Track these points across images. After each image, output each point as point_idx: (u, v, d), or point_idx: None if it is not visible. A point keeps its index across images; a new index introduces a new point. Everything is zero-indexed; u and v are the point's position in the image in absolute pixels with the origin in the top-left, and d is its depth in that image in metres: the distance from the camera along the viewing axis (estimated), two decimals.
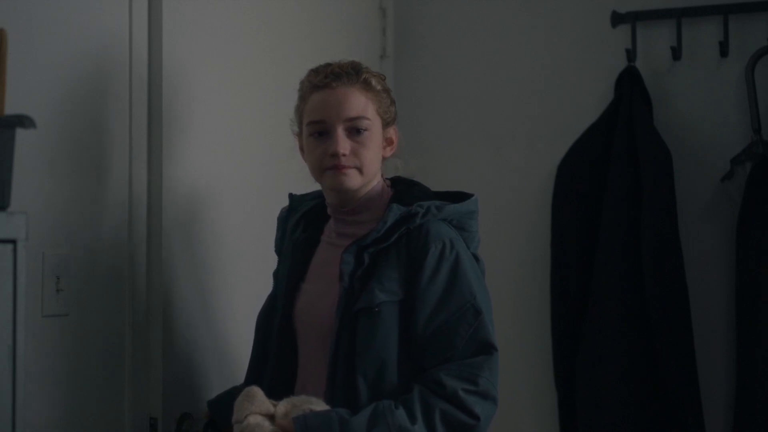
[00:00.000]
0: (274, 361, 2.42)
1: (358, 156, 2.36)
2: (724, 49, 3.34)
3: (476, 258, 2.44)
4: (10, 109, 1.87)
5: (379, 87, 2.42)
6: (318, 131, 2.37)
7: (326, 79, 2.37)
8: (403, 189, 2.45)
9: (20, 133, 1.83)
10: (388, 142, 2.45)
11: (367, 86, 2.39)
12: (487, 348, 2.29)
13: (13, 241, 1.74)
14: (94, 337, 2.43)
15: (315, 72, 2.41)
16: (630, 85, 3.37)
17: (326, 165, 2.36)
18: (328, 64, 2.42)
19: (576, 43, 3.52)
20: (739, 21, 3.35)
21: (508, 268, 3.53)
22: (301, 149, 2.45)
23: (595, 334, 3.27)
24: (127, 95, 2.52)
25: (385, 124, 2.43)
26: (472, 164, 3.59)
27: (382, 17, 3.65)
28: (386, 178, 2.50)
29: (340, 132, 2.35)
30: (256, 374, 2.46)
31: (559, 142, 3.46)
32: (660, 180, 3.26)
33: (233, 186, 2.80)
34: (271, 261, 2.62)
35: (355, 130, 2.37)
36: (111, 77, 2.49)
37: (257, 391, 2.26)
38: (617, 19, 3.46)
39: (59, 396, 2.34)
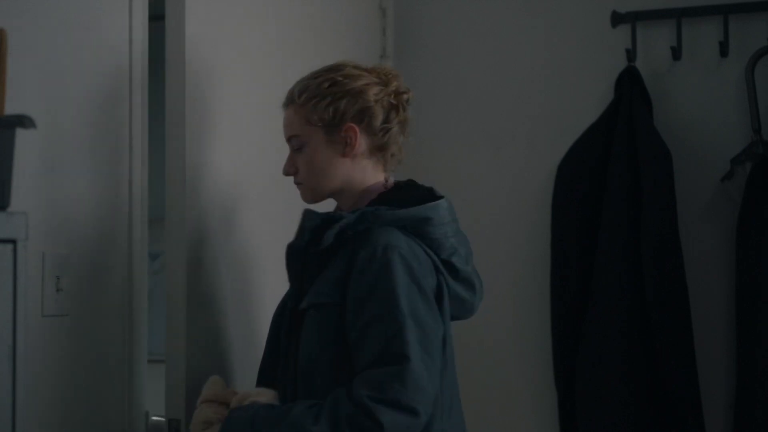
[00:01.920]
0: (283, 359, 2.44)
1: (300, 172, 2.41)
2: (724, 49, 3.34)
3: (452, 265, 2.36)
4: (10, 109, 1.87)
5: (303, 97, 2.39)
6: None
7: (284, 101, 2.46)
8: (391, 194, 2.41)
9: (20, 133, 1.83)
10: (348, 141, 2.40)
11: (292, 101, 2.41)
12: (398, 358, 2.19)
13: (13, 241, 1.74)
14: (94, 337, 2.43)
15: None
16: (630, 85, 3.37)
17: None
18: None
19: (576, 43, 3.52)
20: (739, 21, 3.35)
21: (508, 268, 3.53)
22: None
23: (595, 334, 3.27)
24: (127, 95, 2.52)
25: (332, 127, 2.39)
26: (472, 164, 3.59)
27: (382, 17, 3.65)
28: (397, 180, 2.46)
29: (290, 152, 2.42)
30: (266, 371, 2.48)
31: (559, 142, 3.46)
32: (660, 180, 3.26)
33: (240, 185, 2.80)
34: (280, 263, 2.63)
35: (296, 149, 2.41)
36: (111, 77, 2.49)
37: (216, 380, 2.41)
38: (617, 19, 3.46)
39: (59, 396, 2.34)
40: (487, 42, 3.62)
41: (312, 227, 2.35)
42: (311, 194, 2.42)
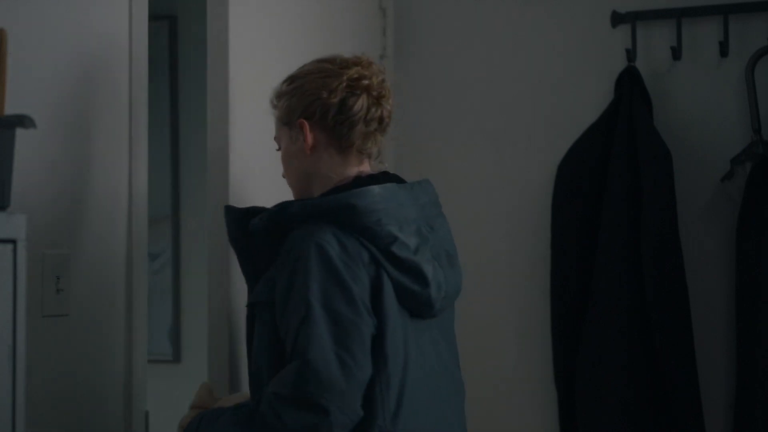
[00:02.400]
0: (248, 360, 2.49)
1: (285, 172, 2.41)
2: (724, 49, 3.34)
3: (393, 255, 2.22)
4: (10, 109, 1.87)
5: (272, 98, 2.40)
6: None
7: None
8: (346, 186, 2.32)
9: (20, 133, 1.83)
10: (302, 136, 2.35)
11: (276, 107, 2.41)
12: (300, 353, 2.12)
13: (13, 241, 1.74)
14: (94, 337, 2.44)
15: None
16: (630, 85, 3.37)
17: None
18: None
19: (576, 43, 3.52)
20: (739, 21, 3.35)
21: (508, 268, 3.53)
22: None
23: (595, 334, 3.27)
24: (127, 95, 2.52)
25: (289, 124, 2.37)
26: (472, 164, 3.59)
27: (382, 17, 3.65)
28: (370, 173, 2.36)
29: None
30: None
31: (559, 142, 3.46)
32: (660, 180, 3.26)
33: (250, 187, 2.81)
34: None
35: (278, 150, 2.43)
36: (111, 77, 2.49)
37: (203, 386, 2.48)
38: (617, 19, 3.46)
39: (59, 396, 2.34)
40: (487, 42, 3.62)
41: (231, 222, 2.32)
42: (293, 192, 2.41)
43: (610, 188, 3.31)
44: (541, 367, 3.46)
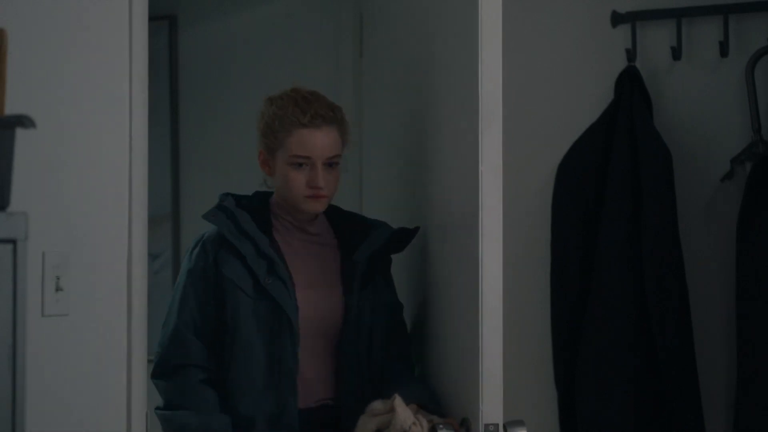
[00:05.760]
0: None
1: (330, 187, 2.67)
2: (724, 49, 3.34)
3: None
4: (10, 109, 1.87)
5: (341, 116, 2.68)
6: (299, 163, 2.64)
7: (314, 119, 2.62)
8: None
9: (20, 133, 1.83)
10: None
11: (341, 125, 2.67)
12: None
13: (13, 241, 1.74)
14: (94, 337, 2.44)
15: (300, 109, 2.62)
16: (630, 85, 3.37)
17: (306, 193, 2.64)
18: (308, 101, 2.63)
19: (576, 43, 3.52)
20: (739, 21, 3.35)
21: (508, 268, 3.52)
22: (265, 163, 2.71)
23: (595, 334, 3.27)
24: (127, 95, 2.52)
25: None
26: None
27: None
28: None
29: (320, 167, 2.64)
30: None
31: (559, 142, 3.46)
32: (660, 180, 3.26)
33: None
34: None
35: (329, 165, 2.67)
36: (111, 77, 2.49)
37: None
38: (617, 19, 3.46)
39: (59, 396, 2.34)
40: None
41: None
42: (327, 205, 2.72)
43: (610, 188, 3.31)
44: (541, 367, 3.46)
